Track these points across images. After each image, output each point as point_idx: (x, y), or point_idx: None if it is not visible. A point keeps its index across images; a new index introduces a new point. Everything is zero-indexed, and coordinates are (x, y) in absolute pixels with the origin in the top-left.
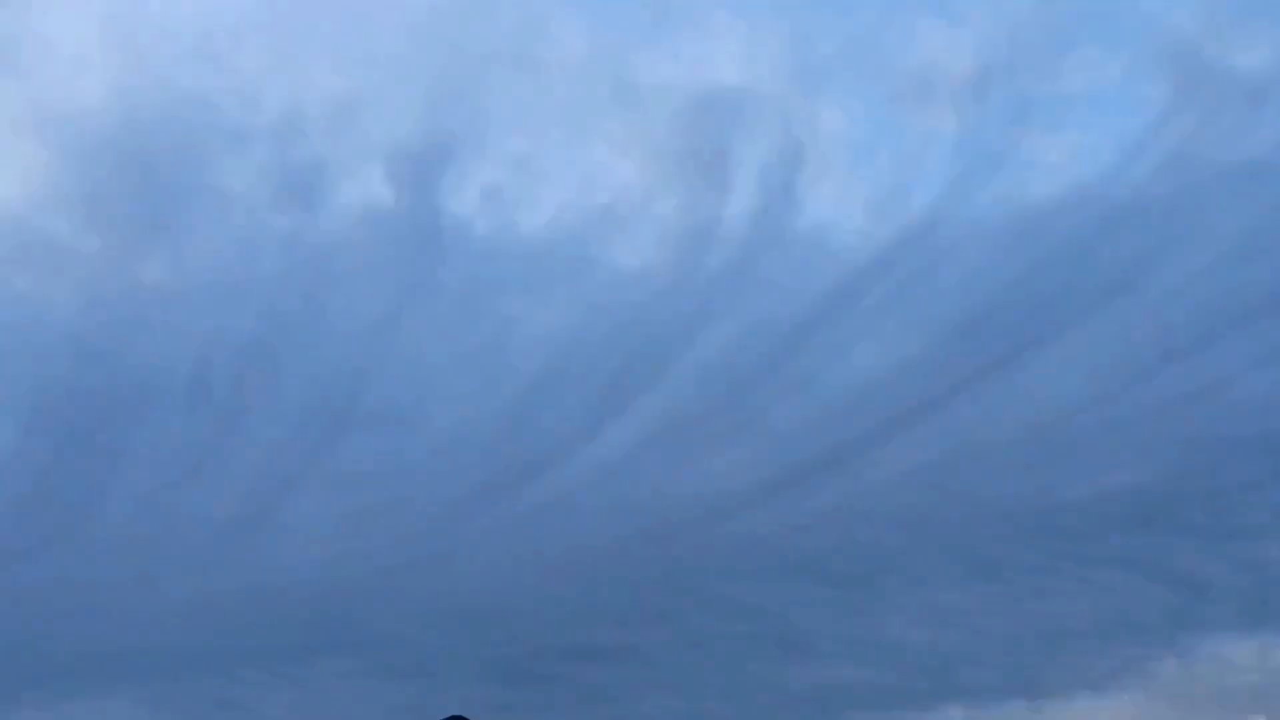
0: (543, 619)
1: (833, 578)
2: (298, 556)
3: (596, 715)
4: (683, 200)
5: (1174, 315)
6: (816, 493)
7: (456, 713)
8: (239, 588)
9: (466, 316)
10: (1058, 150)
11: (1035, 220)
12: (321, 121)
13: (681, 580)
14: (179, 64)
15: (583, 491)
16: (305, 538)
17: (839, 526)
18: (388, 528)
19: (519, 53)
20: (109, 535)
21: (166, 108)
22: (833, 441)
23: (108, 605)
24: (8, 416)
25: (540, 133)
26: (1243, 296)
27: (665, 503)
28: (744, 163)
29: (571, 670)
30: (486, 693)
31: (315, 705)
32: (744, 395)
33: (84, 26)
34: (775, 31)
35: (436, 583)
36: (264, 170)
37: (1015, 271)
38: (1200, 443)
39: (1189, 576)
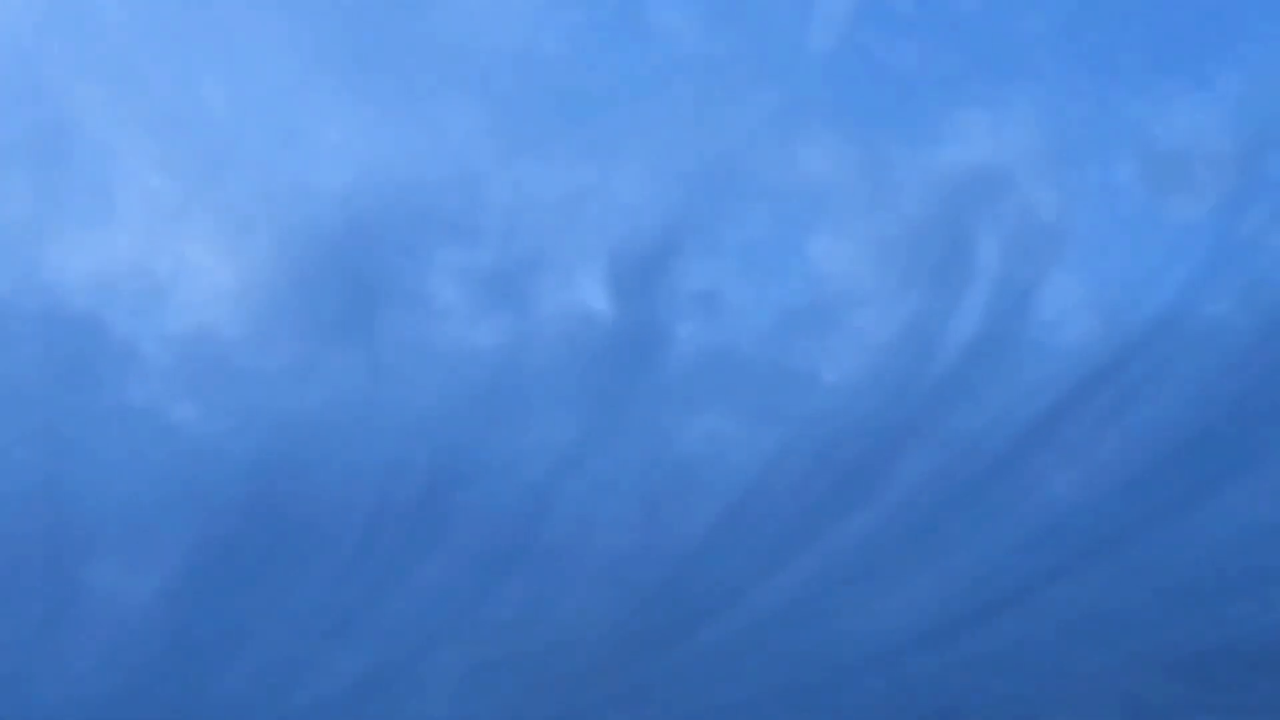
0: None
1: None
2: (425, 717)
3: None
4: (911, 299)
5: None
6: (976, 639)
7: None
8: None
9: (663, 438)
10: None
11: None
12: (545, 219)
13: None
14: (407, 159)
15: (751, 637)
16: (438, 695)
17: (985, 678)
18: (527, 682)
19: (765, 144)
20: (235, 695)
21: (386, 204)
22: (1012, 580)
23: None
24: (160, 565)
25: (773, 231)
26: None
27: (834, 649)
28: (980, 255)
29: None
30: None
31: None
32: (935, 527)
33: (330, 116)
34: (1025, 110)
35: None
36: (475, 273)
37: (1249, 380)
38: None
39: None
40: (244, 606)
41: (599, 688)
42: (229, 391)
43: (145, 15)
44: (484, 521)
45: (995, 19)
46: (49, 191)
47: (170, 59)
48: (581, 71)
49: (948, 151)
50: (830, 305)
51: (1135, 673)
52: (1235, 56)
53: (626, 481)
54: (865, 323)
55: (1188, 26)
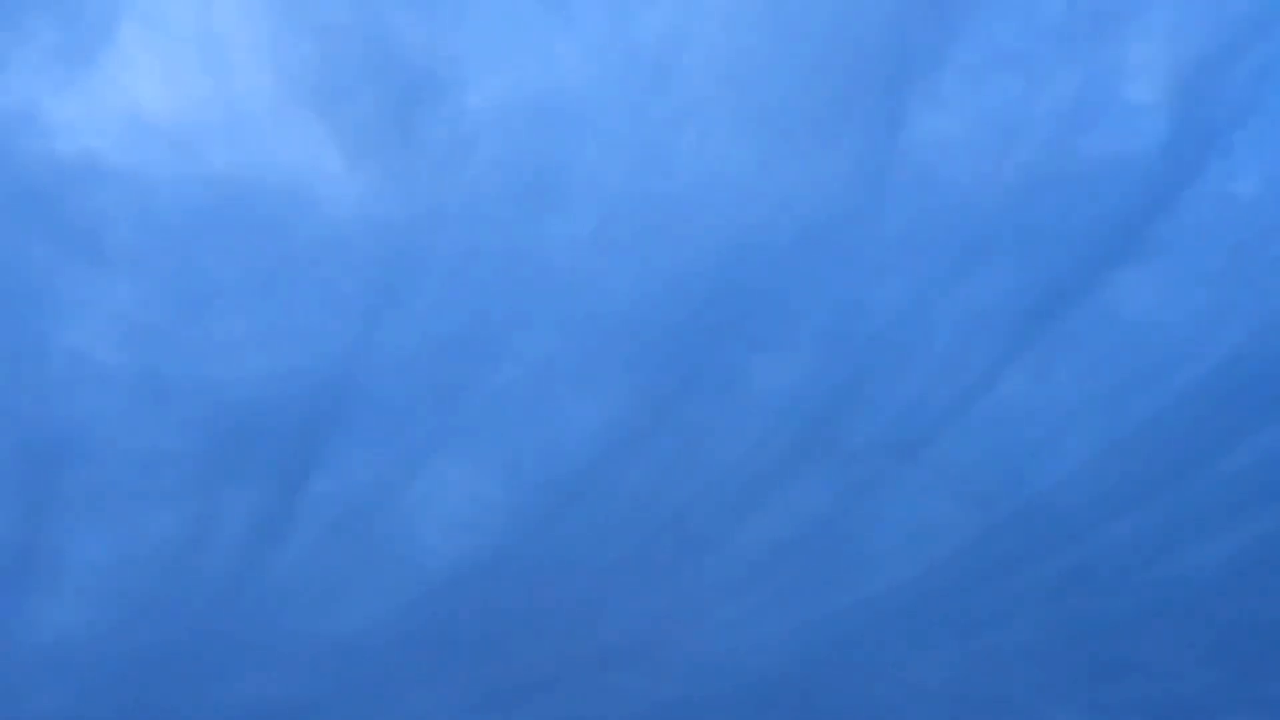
0: None
1: None
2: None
3: None
4: None
5: None
6: None
7: None
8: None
9: (1117, 332)
10: None
11: None
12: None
13: None
14: None
15: (1109, 564)
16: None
17: None
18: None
19: None
20: (547, 627)
21: None
22: None
23: None
24: (508, 481)
25: None
26: None
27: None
28: None
29: None
30: None
31: None
32: None
33: None
34: None
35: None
36: (1011, 59)
37: None
38: None
39: None
40: (580, 535)
41: (923, 615)
42: (664, 237)
43: None
44: (875, 433)
45: None
46: None
47: None
48: None
49: None
50: None
51: None
52: None
53: (1074, 384)
54: None
55: None
